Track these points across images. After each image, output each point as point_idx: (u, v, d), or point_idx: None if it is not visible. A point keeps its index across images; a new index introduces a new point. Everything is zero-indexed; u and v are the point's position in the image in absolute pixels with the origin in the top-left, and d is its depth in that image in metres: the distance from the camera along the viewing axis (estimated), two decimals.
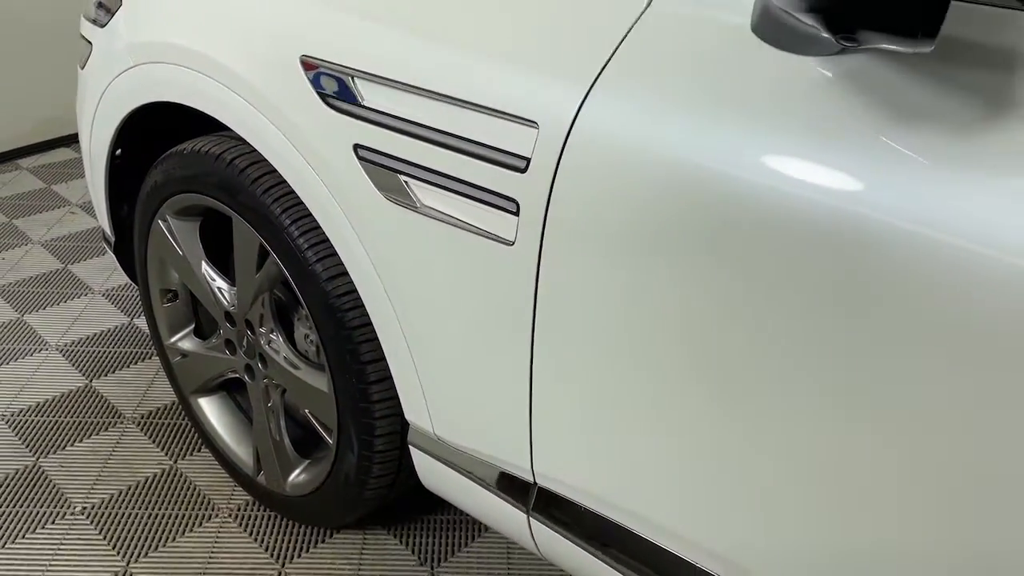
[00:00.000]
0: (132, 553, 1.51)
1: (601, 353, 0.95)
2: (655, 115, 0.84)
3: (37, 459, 1.71)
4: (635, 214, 0.86)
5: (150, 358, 2.00)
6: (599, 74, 0.88)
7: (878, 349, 0.73)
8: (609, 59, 0.88)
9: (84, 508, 1.60)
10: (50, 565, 1.48)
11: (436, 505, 1.62)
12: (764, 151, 0.77)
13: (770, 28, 0.72)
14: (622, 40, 0.88)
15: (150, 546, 1.53)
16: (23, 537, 1.53)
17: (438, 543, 1.56)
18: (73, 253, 2.47)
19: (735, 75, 0.81)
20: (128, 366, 1.99)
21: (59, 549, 1.51)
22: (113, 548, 1.52)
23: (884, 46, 0.60)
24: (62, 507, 1.60)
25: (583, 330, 0.95)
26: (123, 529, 1.56)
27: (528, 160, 0.92)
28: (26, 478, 1.66)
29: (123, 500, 1.62)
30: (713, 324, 0.83)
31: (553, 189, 0.91)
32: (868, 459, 0.78)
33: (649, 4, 0.87)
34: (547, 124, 0.90)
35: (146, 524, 1.57)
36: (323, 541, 1.56)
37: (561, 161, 0.90)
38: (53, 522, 1.57)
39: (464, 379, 1.12)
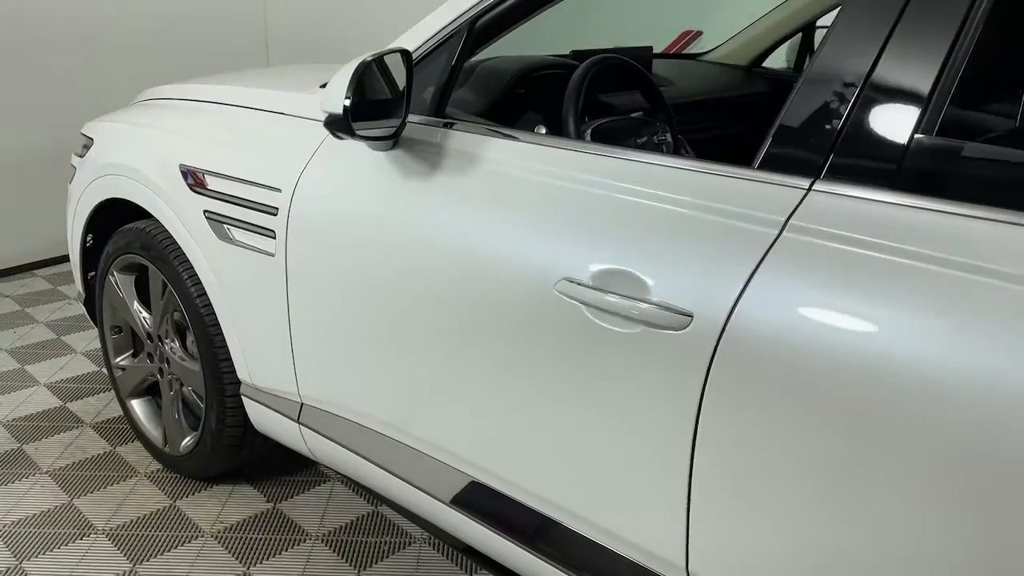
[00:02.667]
0: (76, 493, 2.27)
1: (323, 316, 1.75)
2: (328, 184, 1.69)
3: (21, 445, 2.50)
4: (326, 233, 1.69)
5: (112, 401, 2.80)
6: (307, 164, 1.74)
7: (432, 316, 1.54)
8: (311, 157, 1.74)
9: (49, 471, 2.37)
10: (16, 505, 2.25)
11: (290, 470, 2.37)
12: (368, 200, 1.61)
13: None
14: (317, 149, 1.74)
15: (92, 489, 2.29)
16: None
17: (283, 490, 2.31)
18: (69, 328, 3.32)
19: (356, 163, 1.66)
20: (94, 394, 2.79)
21: (28, 492, 2.28)
22: (65, 492, 2.28)
23: (348, 139, 1.46)
24: (31, 469, 2.37)
25: (312, 304, 1.76)
26: (77, 481, 2.32)
27: (278, 208, 1.77)
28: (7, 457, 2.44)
29: (81, 466, 2.39)
30: (373, 299, 1.62)
31: (289, 222, 1.75)
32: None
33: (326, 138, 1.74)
34: (284, 189, 1.76)
35: (94, 479, 2.33)
36: (206, 489, 2.31)
37: (291, 207, 1.74)
38: (21, 480, 2.34)
39: (261, 341, 1.92)
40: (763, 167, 1.17)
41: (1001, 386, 0.92)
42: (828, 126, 1.12)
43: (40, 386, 2.86)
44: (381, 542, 2.13)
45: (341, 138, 1.51)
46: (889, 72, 1.08)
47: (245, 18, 4.38)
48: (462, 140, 1.55)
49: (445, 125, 1.59)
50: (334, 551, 2.09)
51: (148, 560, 2.04)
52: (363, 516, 2.22)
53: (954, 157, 1.06)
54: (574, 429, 1.34)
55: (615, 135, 1.73)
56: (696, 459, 1.19)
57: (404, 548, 2.10)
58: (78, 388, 2.85)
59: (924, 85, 1.05)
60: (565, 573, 1.41)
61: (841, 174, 1.10)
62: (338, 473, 1.95)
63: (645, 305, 1.20)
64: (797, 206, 1.12)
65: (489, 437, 1.48)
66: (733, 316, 1.12)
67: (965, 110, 1.12)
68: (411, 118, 1.60)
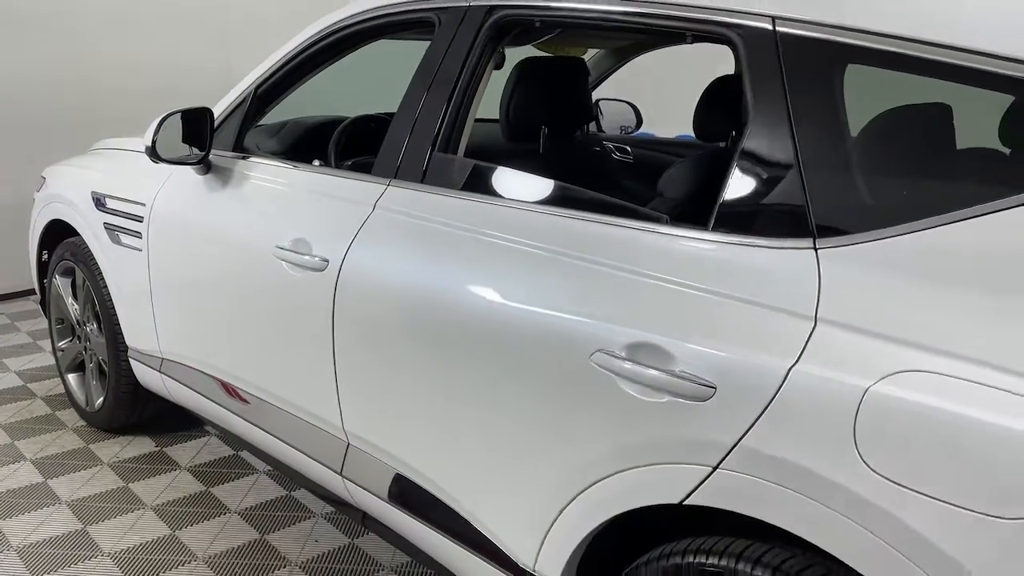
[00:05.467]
0: (17, 437, 3.04)
1: (169, 290, 2.53)
2: (171, 197, 2.48)
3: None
4: (166, 232, 2.47)
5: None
6: (161, 186, 2.53)
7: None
8: (164, 181, 2.54)
9: (1, 424, 3.15)
10: None
11: (183, 427, 3.12)
12: (190, 206, 2.40)
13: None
14: (169, 176, 2.53)
15: (29, 436, 3.06)
16: None
17: (171, 440, 3.05)
18: (44, 336, 4.14)
19: (187, 182, 2.45)
20: (50, 379, 3.58)
21: None
22: (9, 436, 3.05)
23: (171, 164, 2.26)
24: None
25: (163, 282, 2.54)
26: (20, 431, 3.09)
27: (143, 217, 2.57)
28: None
29: (26, 422, 3.17)
30: (191, 276, 2.40)
31: (149, 226, 2.54)
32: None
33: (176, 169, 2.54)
34: (146, 203, 2.55)
35: (32, 430, 3.10)
36: (113, 437, 3.07)
37: (150, 215, 2.54)
38: None
39: (137, 313, 2.69)
40: (375, 172, 1.93)
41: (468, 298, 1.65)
42: (395, 148, 1.88)
43: (11, 372, 3.67)
44: (233, 472, 2.85)
45: (156, 162, 2.31)
46: (424, 117, 1.85)
47: (212, 66, 5.26)
48: (250, 166, 2.33)
49: (242, 157, 2.38)
50: (195, 477, 2.82)
51: (57, 477, 2.79)
52: (227, 456, 2.96)
53: (447, 164, 1.81)
54: (282, 342, 2.08)
55: (371, 166, 2.50)
56: (336, 354, 1.92)
57: (248, 476, 2.83)
58: (39, 374, 3.66)
59: (435, 124, 1.81)
60: (279, 439, 2.14)
61: (402, 175, 1.86)
62: (207, 422, 2.69)
63: (308, 257, 1.95)
64: (382, 194, 1.87)
65: (247, 359, 2.23)
66: (345, 260, 1.87)
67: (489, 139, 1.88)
68: (221, 152, 2.39)
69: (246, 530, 2.52)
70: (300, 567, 2.34)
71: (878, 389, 1.08)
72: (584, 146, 2.37)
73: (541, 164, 1.87)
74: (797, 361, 1.16)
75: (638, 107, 3.48)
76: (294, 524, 2.55)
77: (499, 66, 2.03)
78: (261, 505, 2.66)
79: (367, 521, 2.08)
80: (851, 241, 1.20)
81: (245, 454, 2.98)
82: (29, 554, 2.37)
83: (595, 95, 3.38)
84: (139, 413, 3.03)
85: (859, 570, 1.10)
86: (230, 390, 2.33)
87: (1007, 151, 1.26)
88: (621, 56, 3.00)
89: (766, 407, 1.17)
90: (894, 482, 1.05)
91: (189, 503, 2.66)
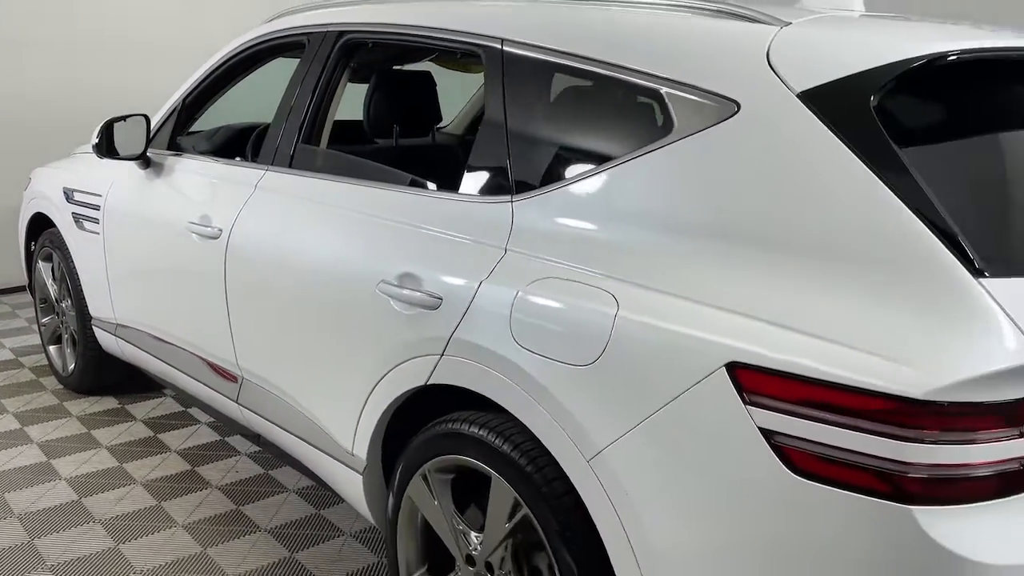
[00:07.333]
0: (3, 396, 3.59)
1: (120, 265, 3.07)
2: (121, 189, 3.03)
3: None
4: (117, 217, 3.02)
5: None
6: (114, 180, 3.08)
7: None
8: (116, 176, 3.09)
9: None
10: None
11: (143, 389, 3.66)
12: (133, 196, 2.94)
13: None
14: (120, 171, 3.09)
15: (14, 396, 3.61)
16: None
17: (132, 400, 3.59)
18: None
19: (133, 176, 3.00)
20: (38, 353, 4.14)
21: None
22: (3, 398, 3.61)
23: (114, 161, 2.80)
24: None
25: (116, 260, 3.08)
26: (7, 393, 3.64)
27: (99, 206, 3.11)
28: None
29: (13, 386, 3.72)
30: (135, 253, 2.94)
31: (104, 213, 3.09)
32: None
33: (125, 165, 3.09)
34: (102, 194, 3.10)
35: (18, 392, 3.65)
36: (84, 397, 3.61)
37: (105, 204, 3.08)
38: None
39: (97, 287, 3.24)
40: (259, 161, 2.46)
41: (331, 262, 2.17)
42: (273, 141, 2.41)
43: (5, 348, 4.24)
44: (179, 423, 3.38)
45: (101, 158, 2.86)
46: (293, 116, 2.37)
47: None
48: (180, 162, 2.87)
49: (174, 154, 2.92)
50: (147, 426, 3.35)
51: (31, 425, 3.34)
52: (177, 412, 3.49)
53: (311, 153, 2.33)
54: (192, 298, 2.60)
55: None
56: (228, 303, 2.44)
57: (192, 426, 3.36)
58: (30, 350, 4.22)
59: (300, 121, 2.34)
60: (196, 380, 2.66)
61: (277, 162, 2.38)
62: (162, 382, 3.22)
63: (208, 228, 2.48)
64: (261, 177, 2.40)
65: (170, 314, 2.76)
66: (232, 228, 2.39)
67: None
68: (159, 150, 2.94)
69: (181, 464, 3.04)
70: (220, 489, 2.86)
71: (525, 290, 1.58)
72: (436, 142, 2.90)
73: (393, 154, 2.38)
74: (487, 277, 1.66)
75: None
76: (221, 460, 3.07)
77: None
78: (197, 446, 3.18)
79: (261, 442, 2.60)
80: (534, 194, 1.70)
81: (193, 410, 3.51)
82: (1, 478, 2.91)
83: None
84: (105, 376, 3.57)
85: (516, 415, 1.60)
86: (162, 343, 2.86)
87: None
88: None
89: (467, 309, 1.68)
90: (528, 350, 1.55)
91: (137, 444, 3.19)
